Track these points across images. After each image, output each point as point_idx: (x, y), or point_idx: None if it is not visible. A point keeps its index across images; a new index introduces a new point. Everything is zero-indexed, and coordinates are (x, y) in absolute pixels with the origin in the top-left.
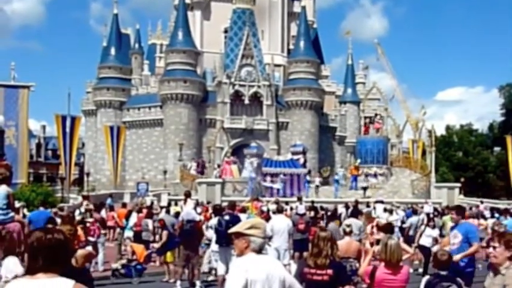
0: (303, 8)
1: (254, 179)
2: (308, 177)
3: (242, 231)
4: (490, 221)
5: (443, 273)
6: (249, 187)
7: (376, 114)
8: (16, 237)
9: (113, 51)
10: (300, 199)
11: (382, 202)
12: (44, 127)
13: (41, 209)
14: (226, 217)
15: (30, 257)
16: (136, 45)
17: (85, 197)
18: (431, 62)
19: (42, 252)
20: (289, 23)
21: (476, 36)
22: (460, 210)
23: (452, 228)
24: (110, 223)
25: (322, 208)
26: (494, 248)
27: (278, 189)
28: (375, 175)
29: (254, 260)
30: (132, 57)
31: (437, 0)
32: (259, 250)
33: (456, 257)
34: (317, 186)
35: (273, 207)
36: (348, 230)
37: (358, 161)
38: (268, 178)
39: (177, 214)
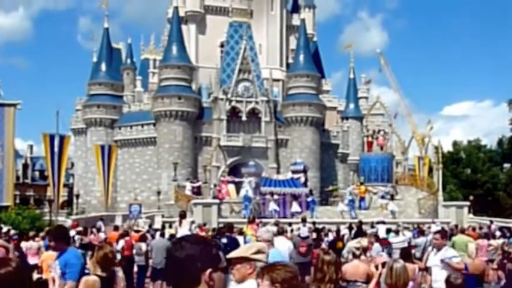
0: (302, 20)
1: (250, 199)
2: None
3: (249, 256)
4: (499, 241)
5: None
6: (246, 207)
7: (379, 131)
8: None
9: (103, 67)
10: (304, 220)
11: (383, 223)
12: (31, 147)
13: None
14: (224, 240)
15: None
16: (128, 61)
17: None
18: (436, 76)
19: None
20: (288, 36)
21: (484, 49)
22: (58, 236)
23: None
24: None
25: (323, 229)
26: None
27: (275, 210)
28: (383, 196)
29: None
30: (123, 73)
31: (440, 12)
32: None
33: None
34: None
35: (273, 229)
36: (357, 252)
37: (361, 179)
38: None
39: (171, 236)
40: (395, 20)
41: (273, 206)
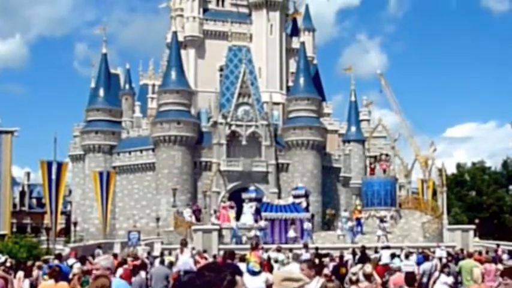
0: (302, 43)
1: (235, 231)
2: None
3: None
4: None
5: None
6: (233, 235)
7: (381, 154)
8: None
9: (101, 92)
10: (306, 246)
11: (388, 248)
12: (28, 174)
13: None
14: None
15: None
16: (127, 86)
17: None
18: (438, 97)
19: None
20: (287, 59)
21: (487, 69)
22: None
23: None
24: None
25: (327, 255)
26: None
27: (257, 236)
28: (382, 220)
29: None
30: (122, 99)
31: (440, 33)
32: None
33: None
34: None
35: (274, 255)
36: (354, 278)
37: (358, 202)
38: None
39: (171, 264)
40: (394, 42)
41: (254, 232)
